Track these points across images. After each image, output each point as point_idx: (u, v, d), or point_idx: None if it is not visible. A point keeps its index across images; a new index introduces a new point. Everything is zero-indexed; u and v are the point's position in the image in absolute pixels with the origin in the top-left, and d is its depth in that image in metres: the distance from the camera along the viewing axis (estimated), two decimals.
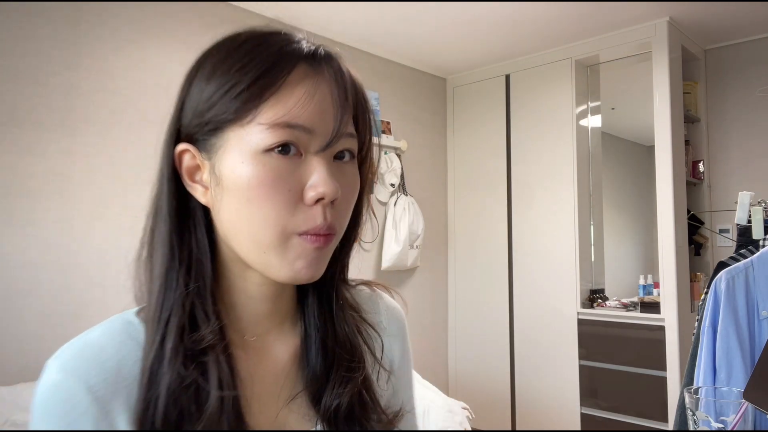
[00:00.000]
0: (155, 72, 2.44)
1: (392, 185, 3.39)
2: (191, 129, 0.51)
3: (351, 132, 0.52)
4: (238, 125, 0.48)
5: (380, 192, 3.38)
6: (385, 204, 3.43)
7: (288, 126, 0.48)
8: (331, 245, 0.52)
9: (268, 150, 0.48)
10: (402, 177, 3.50)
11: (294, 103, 0.48)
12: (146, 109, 2.40)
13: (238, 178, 0.48)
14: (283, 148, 0.48)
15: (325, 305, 0.59)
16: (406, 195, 3.49)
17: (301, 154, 0.49)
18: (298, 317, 0.60)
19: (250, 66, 0.48)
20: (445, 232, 3.95)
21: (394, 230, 3.35)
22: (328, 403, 0.55)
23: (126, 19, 2.36)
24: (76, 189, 2.19)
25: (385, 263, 3.32)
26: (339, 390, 0.55)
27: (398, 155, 3.49)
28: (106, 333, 0.50)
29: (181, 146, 0.51)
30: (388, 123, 3.51)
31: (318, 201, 0.49)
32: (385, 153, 3.42)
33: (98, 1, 2.28)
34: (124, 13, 2.36)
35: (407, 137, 3.63)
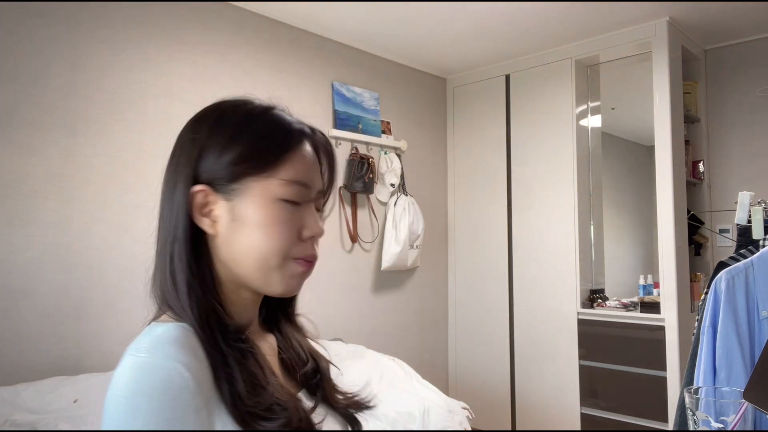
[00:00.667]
0: (155, 72, 2.44)
1: (392, 185, 3.39)
2: (212, 174, 0.63)
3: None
4: (261, 177, 0.63)
5: (380, 192, 3.38)
6: (385, 204, 3.43)
7: (297, 183, 0.65)
8: (311, 270, 0.68)
9: (283, 199, 0.64)
10: (402, 177, 3.50)
11: (301, 167, 0.66)
12: (146, 109, 2.40)
13: (259, 216, 0.63)
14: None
15: (290, 317, 0.78)
16: (406, 195, 3.49)
17: (299, 204, 0.66)
18: (263, 324, 0.76)
19: (273, 137, 0.65)
20: (445, 232, 3.95)
21: (394, 230, 3.35)
22: (327, 389, 0.73)
23: (126, 19, 2.36)
24: (76, 189, 2.19)
25: (385, 263, 3.32)
26: (328, 376, 0.76)
27: (398, 155, 3.49)
28: (168, 327, 0.59)
29: (199, 187, 0.63)
30: (388, 123, 3.51)
31: (311, 238, 0.67)
32: (385, 153, 3.42)
33: (98, 1, 2.28)
34: (125, 13, 2.36)
35: (407, 137, 3.63)
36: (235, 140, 0.64)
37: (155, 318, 0.64)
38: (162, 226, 0.65)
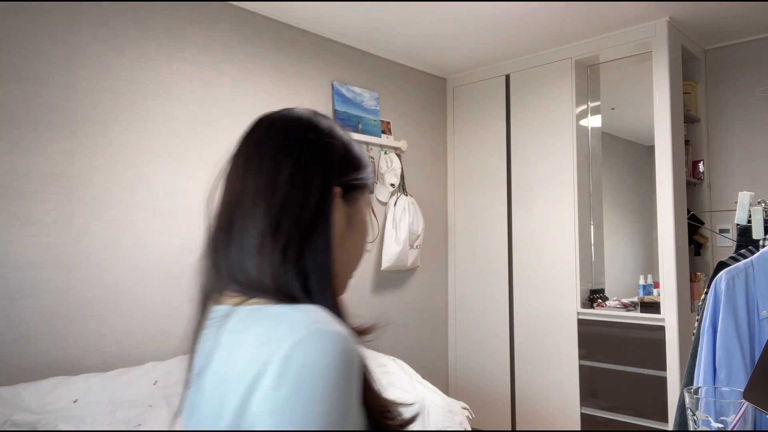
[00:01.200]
0: (155, 72, 2.44)
1: (392, 185, 3.39)
2: (345, 180, 0.69)
3: None
4: (365, 193, 0.73)
5: (380, 192, 3.38)
6: (385, 204, 3.43)
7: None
8: None
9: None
10: (402, 177, 3.50)
11: None
12: (146, 109, 2.40)
13: (363, 226, 0.72)
14: None
15: None
16: (406, 195, 3.49)
17: None
18: None
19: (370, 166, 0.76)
20: (445, 232, 3.95)
21: (394, 230, 3.35)
22: None
23: (126, 19, 2.36)
24: (76, 189, 2.19)
25: (385, 263, 3.32)
26: None
27: (398, 155, 3.49)
28: (314, 307, 0.59)
29: (338, 190, 0.68)
30: (388, 123, 3.51)
31: None
32: (385, 153, 3.42)
33: (98, 1, 2.28)
34: (125, 13, 2.36)
35: (407, 137, 3.63)
36: (362, 156, 0.73)
37: (241, 302, 0.63)
38: (286, 212, 0.64)
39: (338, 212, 0.67)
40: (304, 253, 0.63)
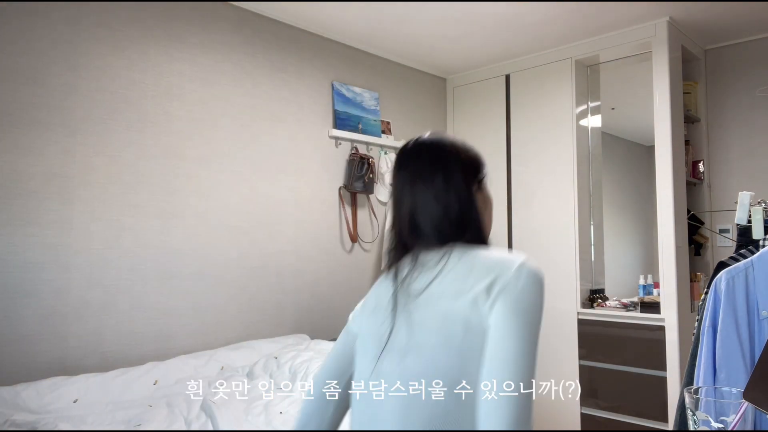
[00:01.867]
0: (155, 72, 2.44)
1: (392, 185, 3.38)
2: (478, 179, 1.01)
3: None
4: (486, 180, 1.03)
5: (380, 192, 3.38)
6: (385, 204, 3.42)
7: None
8: None
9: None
10: None
11: None
12: (146, 109, 2.40)
13: (491, 200, 1.04)
14: None
15: None
16: None
17: None
18: None
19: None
20: None
21: None
22: None
23: (126, 19, 2.36)
24: (76, 189, 2.19)
25: (386, 263, 3.31)
26: None
27: None
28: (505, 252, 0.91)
29: (475, 187, 1.00)
30: (388, 123, 3.51)
31: None
32: (385, 153, 3.42)
33: (98, 1, 2.28)
34: (125, 13, 2.36)
35: (407, 137, 3.62)
36: (478, 156, 1.03)
37: (449, 243, 0.94)
38: (449, 209, 0.95)
39: (477, 198, 0.99)
40: (476, 227, 0.96)
